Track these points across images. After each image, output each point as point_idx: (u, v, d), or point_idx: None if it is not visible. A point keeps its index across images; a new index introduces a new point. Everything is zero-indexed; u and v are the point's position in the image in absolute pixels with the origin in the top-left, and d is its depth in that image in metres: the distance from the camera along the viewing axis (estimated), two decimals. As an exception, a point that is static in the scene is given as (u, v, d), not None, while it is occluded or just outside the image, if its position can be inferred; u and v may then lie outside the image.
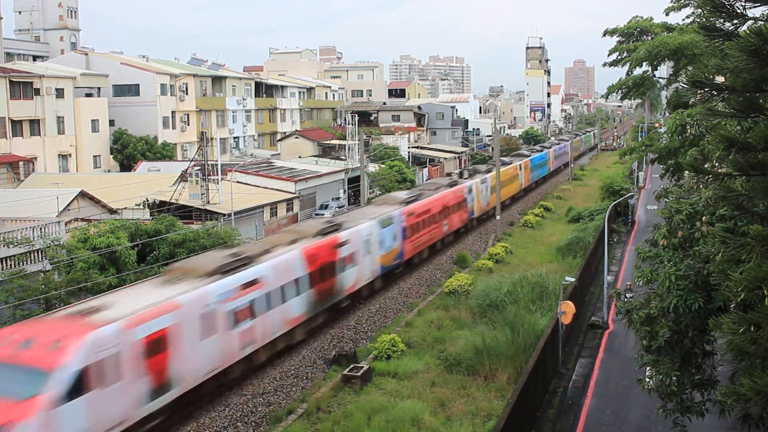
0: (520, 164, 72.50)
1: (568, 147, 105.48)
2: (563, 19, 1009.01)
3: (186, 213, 46.66)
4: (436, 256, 46.00)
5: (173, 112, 74.93)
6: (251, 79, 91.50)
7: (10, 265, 30.38)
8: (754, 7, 11.56)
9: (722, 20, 11.65)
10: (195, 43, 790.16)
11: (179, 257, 33.99)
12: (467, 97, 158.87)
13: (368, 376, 25.81)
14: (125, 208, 45.13)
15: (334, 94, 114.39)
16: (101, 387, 18.45)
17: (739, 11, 11.46)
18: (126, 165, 66.58)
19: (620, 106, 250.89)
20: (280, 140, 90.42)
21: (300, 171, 63.29)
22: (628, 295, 27.37)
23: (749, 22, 11.59)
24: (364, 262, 34.27)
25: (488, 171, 61.06)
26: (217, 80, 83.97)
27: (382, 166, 72.38)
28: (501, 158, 65.54)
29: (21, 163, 56.57)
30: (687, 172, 21.94)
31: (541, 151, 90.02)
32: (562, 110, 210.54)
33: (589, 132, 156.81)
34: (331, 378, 26.21)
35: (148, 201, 47.17)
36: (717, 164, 14.42)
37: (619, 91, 50.70)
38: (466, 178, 57.18)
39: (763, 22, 11.64)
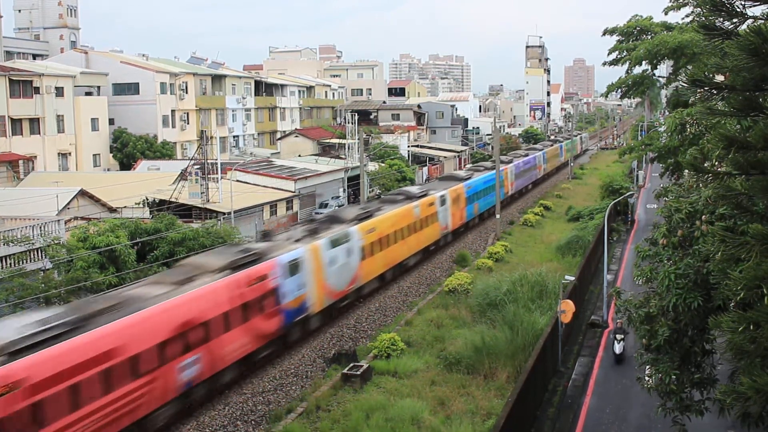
0: (442, 195, 46.68)
1: (540, 159, 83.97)
2: (563, 19, 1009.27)
3: (186, 212, 46.66)
4: (435, 256, 45.94)
5: (173, 111, 74.91)
6: (251, 77, 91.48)
7: (10, 263, 30.41)
8: (754, 5, 11.56)
9: (722, 19, 11.64)
10: (194, 42, 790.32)
11: (179, 256, 34.03)
12: (467, 95, 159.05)
13: (368, 375, 25.82)
14: (125, 207, 45.13)
15: (333, 93, 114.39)
16: None
17: (738, 10, 11.46)
18: (126, 164, 66.61)
19: (620, 104, 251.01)
20: (279, 139, 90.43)
21: (300, 170, 63.30)
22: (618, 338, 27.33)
23: (749, 21, 11.59)
24: None
25: (365, 216, 36.47)
26: (217, 79, 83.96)
27: (382, 164, 72.42)
28: (408, 191, 46.08)
29: (21, 161, 56.57)
30: (686, 170, 21.94)
31: (493, 169, 59.46)
32: (562, 109, 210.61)
33: (575, 137, 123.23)
34: (330, 377, 26.21)
35: (147, 200, 47.16)
36: (716, 163, 14.41)
37: (619, 90, 50.74)
38: (299, 240, 30.38)
39: (762, 21, 11.64)
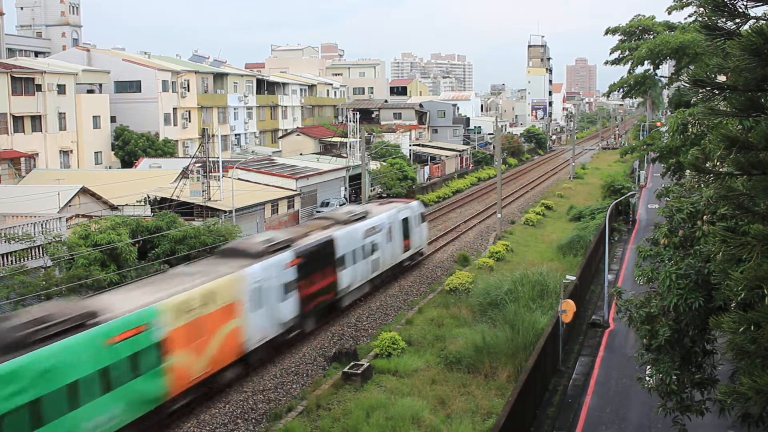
0: None
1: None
2: (565, 18, 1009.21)
3: (187, 210, 46.65)
4: (436, 255, 45.98)
5: (175, 109, 74.93)
6: (253, 76, 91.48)
7: (11, 261, 30.42)
8: (756, 6, 11.55)
9: (724, 19, 11.64)
10: (196, 40, 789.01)
11: (180, 254, 34.04)
12: (469, 95, 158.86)
13: (368, 373, 25.83)
14: (126, 205, 45.15)
15: (335, 92, 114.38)
16: None
17: (740, 10, 11.45)
18: (127, 161, 66.63)
19: (621, 104, 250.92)
20: (281, 137, 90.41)
21: (301, 168, 63.26)
22: None
23: (751, 21, 11.58)
24: None
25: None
26: (219, 77, 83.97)
27: (384, 163, 72.37)
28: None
29: (22, 159, 56.62)
30: (688, 171, 21.95)
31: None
32: (563, 108, 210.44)
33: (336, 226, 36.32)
34: (331, 375, 26.22)
35: (149, 198, 47.17)
36: (718, 163, 14.43)
37: (621, 90, 50.75)
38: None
39: (764, 22, 11.63)
